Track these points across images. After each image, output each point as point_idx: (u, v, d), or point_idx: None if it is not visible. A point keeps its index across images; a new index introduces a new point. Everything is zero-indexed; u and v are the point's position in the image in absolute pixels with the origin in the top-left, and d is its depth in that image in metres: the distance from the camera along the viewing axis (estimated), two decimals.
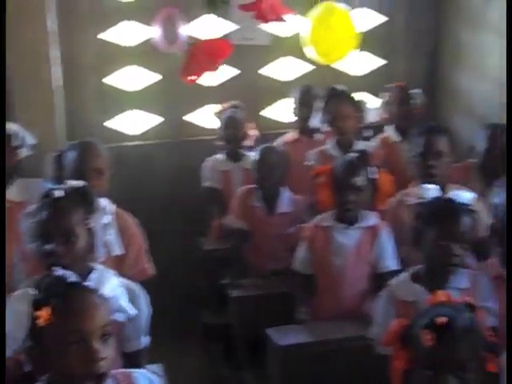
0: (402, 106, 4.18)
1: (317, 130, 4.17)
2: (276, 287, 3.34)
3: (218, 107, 4.31)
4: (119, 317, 2.16)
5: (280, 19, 3.55)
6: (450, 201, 2.40)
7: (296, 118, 4.33)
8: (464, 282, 2.40)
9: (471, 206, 2.43)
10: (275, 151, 3.64)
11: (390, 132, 4.19)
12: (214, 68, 3.54)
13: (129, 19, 4.39)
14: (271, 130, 4.48)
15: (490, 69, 4.46)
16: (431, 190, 2.55)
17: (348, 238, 2.99)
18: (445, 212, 2.37)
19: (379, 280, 2.90)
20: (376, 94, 4.72)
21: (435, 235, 2.34)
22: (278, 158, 3.59)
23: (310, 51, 3.91)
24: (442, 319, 1.69)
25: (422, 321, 1.73)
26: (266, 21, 3.56)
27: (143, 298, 2.32)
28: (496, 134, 3.46)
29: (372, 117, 4.21)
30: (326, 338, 2.79)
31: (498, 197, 2.60)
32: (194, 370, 3.87)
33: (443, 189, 3.03)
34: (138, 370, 1.92)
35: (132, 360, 2.25)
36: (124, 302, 2.20)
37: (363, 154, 3.09)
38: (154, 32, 4.13)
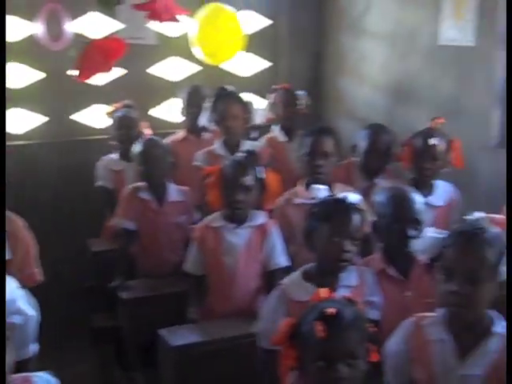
0: (288, 108, 4.29)
1: (205, 129, 4.21)
2: (167, 288, 3.33)
3: (106, 107, 4.25)
4: (17, 319, 2.10)
5: (174, 19, 3.55)
6: (342, 200, 2.49)
7: (184, 118, 4.34)
8: (353, 280, 2.49)
9: (359, 205, 2.53)
10: (158, 144, 3.61)
11: (276, 132, 4.29)
12: (108, 68, 3.48)
13: (10, 14, 4.23)
14: (159, 129, 4.45)
15: (369, 73, 4.67)
16: (321, 190, 2.65)
17: (238, 237, 3.03)
18: (337, 210, 2.44)
19: (270, 277, 2.97)
20: (262, 95, 4.82)
21: (328, 232, 2.41)
22: (162, 150, 3.57)
23: (197, 51, 3.94)
24: (332, 310, 1.77)
25: (311, 316, 1.80)
26: (161, 20, 3.54)
27: (31, 303, 2.26)
28: (376, 134, 3.63)
29: (259, 118, 4.28)
30: (216, 337, 2.80)
31: (379, 195, 2.74)
32: (84, 373, 3.81)
33: (330, 187, 3.17)
34: (37, 374, 1.89)
35: (20, 369, 2.18)
36: (22, 305, 2.14)
37: (251, 154, 3.14)
38: (37, 28, 4.00)
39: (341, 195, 2.50)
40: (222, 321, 2.96)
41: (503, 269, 1.93)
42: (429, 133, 3.32)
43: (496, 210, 2.58)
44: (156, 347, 2.84)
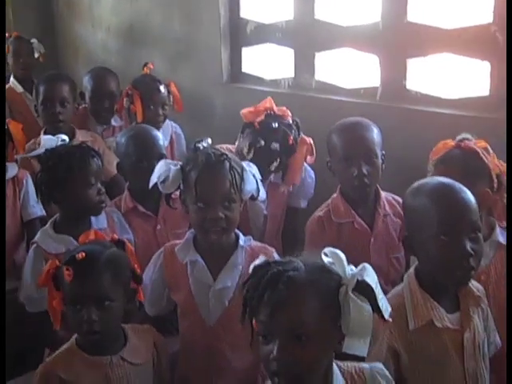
0: (20, 57, 4.15)
1: None
2: None
3: None
4: None
5: None
6: (78, 144, 2.53)
7: None
8: (102, 222, 2.53)
9: (95, 148, 2.58)
10: None
11: (12, 83, 4.12)
12: None
13: None
14: None
15: (102, 16, 4.65)
16: (50, 140, 2.62)
17: None
18: (76, 157, 2.41)
19: (27, 229, 2.93)
20: None
21: (77, 181, 2.39)
22: None
23: None
24: (80, 254, 1.82)
25: (64, 259, 1.86)
26: None
27: None
28: (98, 77, 3.66)
29: None
30: None
31: (120, 136, 2.78)
32: None
33: (72, 134, 3.17)
34: None
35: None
36: None
37: None
38: None
39: (77, 142, 2.52)
40: None
41: (246, 187, 2.07)
42: (147, 79, 3.40)
43: (232, 140, 2.81)
44: None
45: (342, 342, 1.43)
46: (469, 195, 1.82)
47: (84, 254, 1.82)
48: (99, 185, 2.45)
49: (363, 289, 1.42)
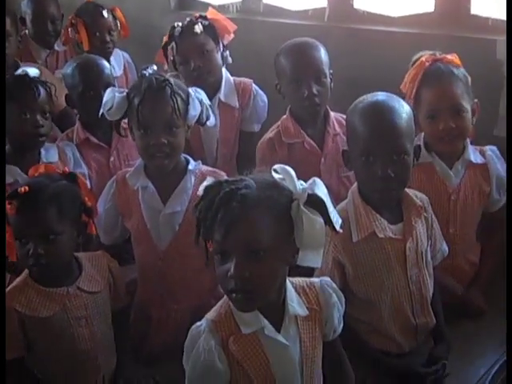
0: None
1: None
2: None
3: None
4: None
5: None
6: (22, 76, 2.48)
7: None
8: (53, 155, 2.51)
9: (44, 79, 2.53)
10: None
11: None
12: None
13: None
14: None
15: None
16: None
17: None
18: (21, 86, 2.42)
19: None
20: None
21: (17, 111, 2.39)
22: None
23: None
24: (24, 188, 1.81)
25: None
26: None
27: None
28: (40, 3, 3.60)
29: None
30: None
31: (66, 67, 2.74)
32: None
33: (16, 67, 3.10)
34: None
35: None
36: None
37: None
38: None
39: (21, 71, 2.47)
40: None
41: (191, 113, 2.07)
42: (91, 7, 3.36)
43: None
44: None
45: (295, 255, 1.47)
46: (399, 115, 1.85)
47: (27, 188, 1.81)
48: (38, 117, 2.41)
49: (314, 202, 1.44)
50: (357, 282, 1.90)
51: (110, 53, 3.34)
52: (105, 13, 3.30)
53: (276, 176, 1.49)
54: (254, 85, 2.86)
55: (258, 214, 1.42)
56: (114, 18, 3.36)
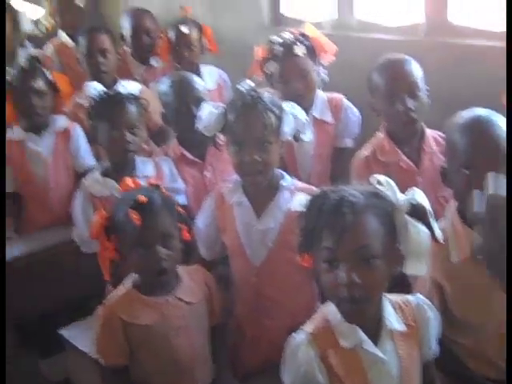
0: (65, 12, 4.19)
1: None
2: None
3: None
4: None
5: None
6: (114, 92, 2.58)
7: None
8: (149, 170, 2.59)
9: (137, 95, 2.62)
10: None
11: (63, 37, 4.14)
12: None
13: None
14: None
15: None
16: (94, 87, 2.70)
17: (43, 145, 3.00)
18: (110, 103, 2.52)
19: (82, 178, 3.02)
20: (37, 3, 4.62)
21: (107, 127, 2.49)
22: None
23: None
24: (142, 198, 1.87)
25: (122, 206, 1.90)
26: None
27: None
28: (138, 17, 3.73)
29: (30, 25, 4.10)
30: (33, 249, 2.80)
31: (161, 84, 2.81)
32: None
33: (114, 83, 3.22)
34: None
35: None
36: None
37: (33, 59, 3.09)
38: None
39: (117, 87, 2.56)
40: (41, 232, 2.94)
41: (284, 128, 2.08)
42: (180, 22, 3.45)
43: None
44: None
45: (401, 263, 1.47)
46: (500, 129, 1.79)
47: (145, 198, 1.87)
48: (126, 133, 2.49)
49: (416, 212, 1.46)
50: (456, 304, 1.85)
51: (193, 66, 3.39)
52: (184, 29, 3.37)
53: (377, 186, 1.50)
54: (345, 100, 2.86)
55: (367, 221, 1.44)
56: (201, 34, 3.43)
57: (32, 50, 3.87)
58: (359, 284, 1.41)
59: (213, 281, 2.08)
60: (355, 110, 2.85)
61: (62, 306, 2.74)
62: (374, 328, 1.52)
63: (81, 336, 2.17)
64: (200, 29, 3.45)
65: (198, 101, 2.58)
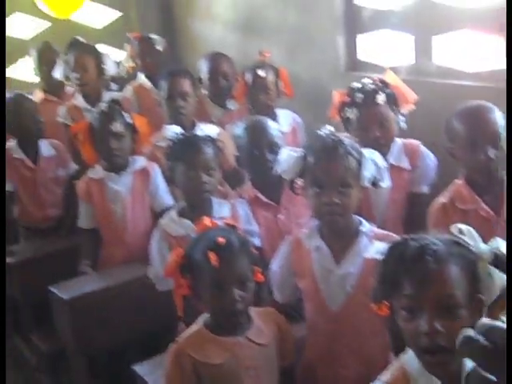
0: (146, 55, 4.30)
1: (62, 84, 4.15)
2: (52, 246, 3.36)
3: None
4: None
5: None
6: (191, 134, 2.64)
7: (39, 78, 4.27)
8: (225, 211, 2.63)
9: (214, 137, 2.66)
10: (27, 98, 3.63)
11: (141, 80, 4.28)
12: None
13: None
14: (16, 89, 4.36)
15: (219, 12, 4.77)
16: (171, 129, 2.77)
17: (122, 184, 3.08)
18: (187, 144, 2.58)
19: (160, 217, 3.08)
20: (118, 46, 4.79)
21: (184, 168, 2.56)
22: (32, 105, 3.60)
23: (41, 5, 3.86)
24: (221, 239, 1.89)
25: (200, 246, 1.92)
26: None
27: None
28: (213, 60, 3.80)
29: (114, 68, 4.25)
30: (109, 285, 2.84)
31: (236, 128, 2.86)
32: None
33: (192, 126, 3.28)
34: None
35: None
36: None
37: (114, 102, 3.19)
38: None
39: (194, 130, 2.62)
40: (115, 268, 3.00)
41: (364, 173, 2.08)
42: (257, 66, 3.48)
43: None
44: (49, 304, 2.85)
45: (482, 314, 1.44)
46: None
47: (224, 239, 1.89)
48: (202, 174, 2.54)
49: (500, 262, 1.43)
50: None
51: (268, 109, 3.42)
52: (261, 72, 3.41)
53: (458, 235, 1.48)
54: (422, 146, 2.83)
55: (451, 270, 1.42)
56: (277, 78, 3.46)
57: (114, 94, 3.97)
58: (443, 333, 1.38)
59: (285, 323, 2.07)
60: (432, 156, 2.82)
61: (134, 341, 2.78)
62: (451, 380, 1.45)
63: (154, 373, 2.19)
64: (276, 72, 3.49)
65: (272, 145, 2.64)
